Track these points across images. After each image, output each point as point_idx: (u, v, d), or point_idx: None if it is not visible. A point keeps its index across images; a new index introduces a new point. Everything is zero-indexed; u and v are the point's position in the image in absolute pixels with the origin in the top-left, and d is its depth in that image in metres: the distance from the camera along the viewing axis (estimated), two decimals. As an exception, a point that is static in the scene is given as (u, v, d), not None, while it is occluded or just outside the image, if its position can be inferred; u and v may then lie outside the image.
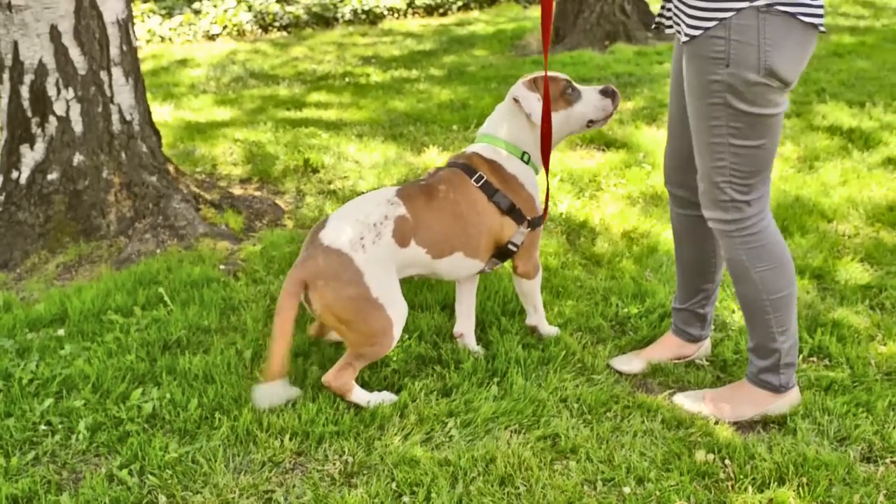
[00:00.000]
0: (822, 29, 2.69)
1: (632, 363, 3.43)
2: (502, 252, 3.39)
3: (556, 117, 3.35)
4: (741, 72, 2.67)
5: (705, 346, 3.52)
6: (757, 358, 3.10)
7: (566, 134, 3.48)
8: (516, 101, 3.37)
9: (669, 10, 2.96)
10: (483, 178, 3.33)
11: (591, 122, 3.44)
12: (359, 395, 3.13)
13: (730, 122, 2.75)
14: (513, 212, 3.33)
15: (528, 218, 3.37)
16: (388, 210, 3.14)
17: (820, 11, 2.66)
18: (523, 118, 3.38)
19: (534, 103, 3.32)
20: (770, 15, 2.61)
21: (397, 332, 3.11)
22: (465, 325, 3.59)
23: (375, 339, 3.07)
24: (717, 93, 2.72)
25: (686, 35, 2.75)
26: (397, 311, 3.10)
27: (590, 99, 3.40)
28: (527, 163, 3.42)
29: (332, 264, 3.00)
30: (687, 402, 3.18)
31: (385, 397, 3.17)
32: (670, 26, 2.97)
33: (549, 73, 3.33)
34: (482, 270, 3.44)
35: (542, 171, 3.39)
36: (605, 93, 3.40)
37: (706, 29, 2.67)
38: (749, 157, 2.80)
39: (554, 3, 3.32)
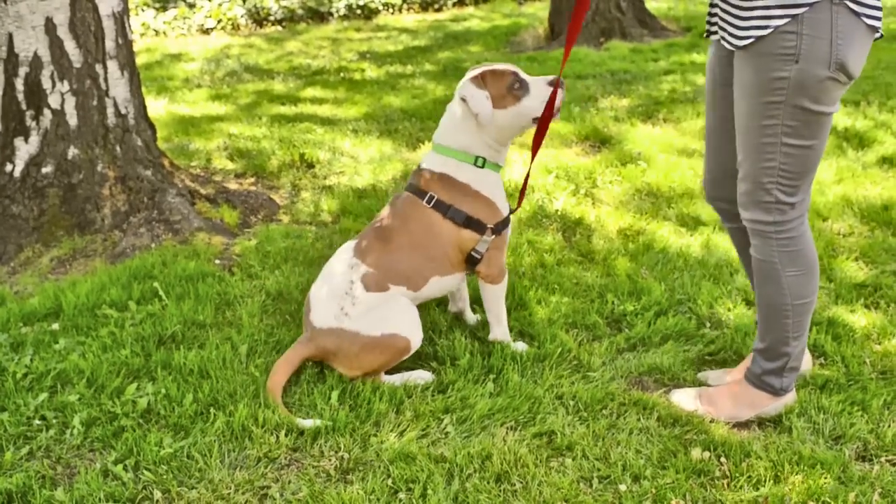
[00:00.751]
0: (879, 34, 2.70)
1: (723, 380, 3.34)
2: (469, 260, 3.39)
3: (505, 115, 3.27)
4: (811, 67, 2.64)
5: (806, 360, 3.35)
6: (764, 359, 3.09)
7: (517, 131, 3.37)
8: (464, 100, 3.28)
9: (714, 16, 2.94)
10: (434, 197, 3.32)
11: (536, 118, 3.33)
12: (385, 379, 3.32)
13: (786, 121, 2.73)
14: (470, 224, 3.31)
15: (490, 225, 3.34)
16: (351, 275, 3.29)
17: (879, 14, 2.66)
18: (471, 118, 3.30)
19: (482, 102, 3.23)
20: (841, 8, 2.60)
21: (416, 341, 3.29)
22: (459, 304, 3.75)
23: (394, 360, 3.29)
24: (780, 90, 2.69)
25: (745, 38, 2.72)
26: (411, 331, 3.27)
27: (538, 91, 3.27)
28: (482, 166, 3.36)
29: (332, 341, 3.23)
30: (683, 399, 3.18)
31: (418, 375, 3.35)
32: (715, 32, 2.95)
33: (496, 66, 3.29)
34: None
35: (527, 166, 3.37)
36: (553, 84, 3.27)
37: (776, 27, 2.64)
38: (800, 157, 2.79)
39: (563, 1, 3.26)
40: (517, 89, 3.26)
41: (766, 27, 2.66)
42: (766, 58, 2.69)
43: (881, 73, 8.02)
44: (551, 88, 3.25)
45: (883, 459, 2.89)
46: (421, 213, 3.33)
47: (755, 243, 2.97)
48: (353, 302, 3.24)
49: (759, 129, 2.78)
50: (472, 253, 3.36)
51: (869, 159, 5.74)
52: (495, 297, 3.47)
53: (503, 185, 3.49)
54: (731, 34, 2.80)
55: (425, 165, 3.41)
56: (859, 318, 3.76)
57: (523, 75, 3.30)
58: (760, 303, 3.05)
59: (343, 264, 3.34)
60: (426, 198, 3.33)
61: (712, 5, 2.95)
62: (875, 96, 7.14)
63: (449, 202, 3.32)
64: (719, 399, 3.14)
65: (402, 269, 3.30)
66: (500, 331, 3.51)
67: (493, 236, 3.35)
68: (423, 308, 3.65)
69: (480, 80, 3.27)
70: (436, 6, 14.06)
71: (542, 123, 3.24)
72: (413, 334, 3.26)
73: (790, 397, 3.13)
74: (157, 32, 12.36)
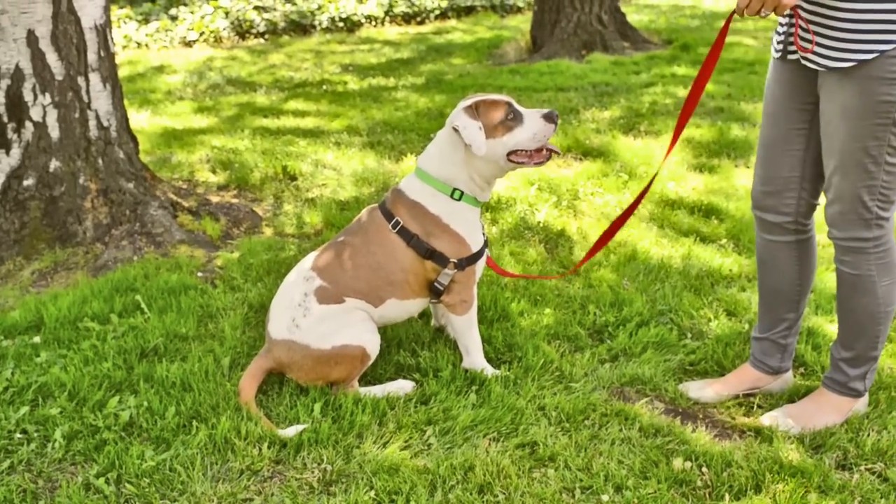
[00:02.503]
0: None
1: (704, 391, 3.36)
2: (433, 289, 3.38)
3: (496, 145, 3.22)
4: None
5: (784, 379, 3.40)
6: (851, 367, 3.13)
7: (504, 168, 3.31)
8: (456, 130, 3.22)
9: (790, 35, 2.94)
10: (399, 223, 3.31)
11: (519, 160, 3.27)
12: (365, 391, 3.32)
13: (892, 142, 2.75)
14: (433, 256, 3.30)
15: (453, 260, 3.31)
16: (305, 287, 3.29)
17: None
18: (461, 150, 3.26)
19: (475, 133, 3.17)
20: None
21: (372, 348, 3.29)
22: (442, 320, 3.75)
23: (356, 369, 3.28)
24: (887, 113, 2.71)
25: (845, 60, 2.71)
26: (363, 338, 3.26)
27: (532, 124, 3.24)
28: (458, 199, 3.32)
29: (284, 352, 3.25)
30: (776, 421, 3.16)
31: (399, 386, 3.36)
32: (794, 52, 2.94)
33: (489, 96, 3.26)
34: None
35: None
36: (549, 118, 3.24)
37: (882, 52, 2.64)
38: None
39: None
40: (511, 120, 3.23)
41: (871, 51, 2.66)
42: (873, 81, 2.69)
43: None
44: (545, 122, 3.24)
45: (863, 468, 2.91)
46: (384, 237, 3.32)
47: (848, 259, 2.98)
48: (304, 314, 3.23)
49: (863, 150, 2.78)
50: (435, 284, 3.36)
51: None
52: (461, 327, 3.43)
53: (479, 218, 3.44)
54: (823, 55, 2.79)
55: (402, 187, 3.39)
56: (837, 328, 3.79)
57: (517, 106, 3.28)
58: (852, 315, 3.07)
59: (299, 276, 3.34)
60: (392, 222, 3.32)
61: (786, 24, 2.95)
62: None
63: (414, 231, 3.29)
64: (808, 413, 3.16)
65: (358, 287, 3.29)
66: (469, 361, 3.46)
67: (456, 271, 3.34)
68: (406, 320, 3.66)
69: (474, 111, 3.23)
70: (418, 19, 14.10)
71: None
72: (367, 342, 3.25)
73: (866, 396, 3.22)
74: (139, 45, 12.34)
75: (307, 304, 3.24)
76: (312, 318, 3.23)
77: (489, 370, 3.43)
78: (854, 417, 3.16)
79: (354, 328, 3.25)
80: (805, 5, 2.79)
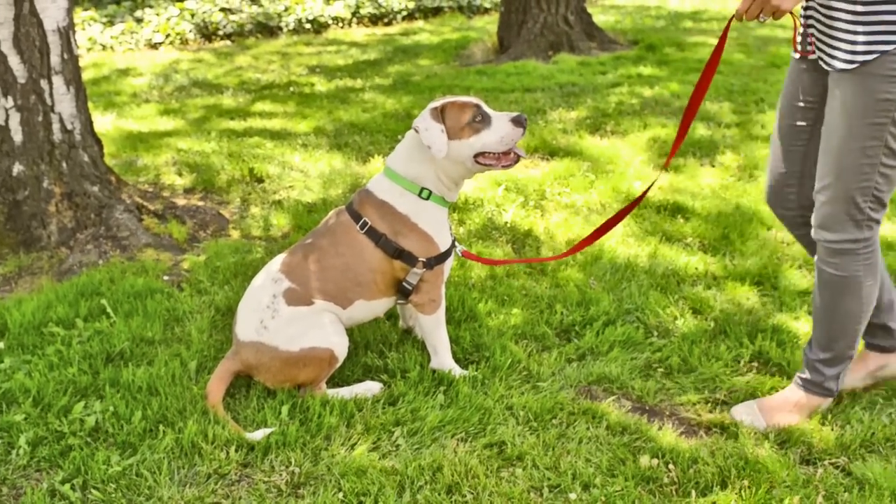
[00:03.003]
0: None
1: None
2: (401, 288, 3.38)
3: (460, 147, 3.23)
4: None
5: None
6: (828, 367, 3.14)
7: (470, 170, 3.32)
8: (417, 131, 3.24)
9: (810, 35, 2.95)
10: (367, 223, 3.31)
11: (486, 163, 3.28)
12: (333, 392, 3.32)
13: (889, 143, 2.76)
14: (401, 255, 3.30)
15: (422, 259, 3.32)
16: (273, 289, 3.28)
17: None
18: (426, 150, 3.27)
19: (436, 136, 3.18)
20: None
21: (341, 350, 3.29)
22: (409, 322, 3.76)
23: (324, 371, 3.28)
24: (887, 112, 2.72)
25: (850, 62, 2.74)
26: (331, 340, 3.25)
27: (499, 126, 3.24)
28: (426, 198, 3.33)
29: (252, 354, 3.24)
30: (744, 416, 3.17)
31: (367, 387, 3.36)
32: (811, 51, 2.96)
33: (458, 99, 3.27)
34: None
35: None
36: (518, 122, 3.24)
37: (883, 52, 2.66)
38: (893, 176, 2.85)
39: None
40: (478, 122, 3.24)
41: (872, 52, 2.68)
42: (872, 79, 2.71)
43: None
44: (513, 125, 3.24)
45: (826, 462, 2.95)
46: (352, 238, 3.32)
47: (835, 261, 2.97)
48: (272, 316, 3.22)
49: (860, 150, 2.79)
50: (403, 283, 3.36)
51: (812, 169, 5.85)
52: (429, 327, 3.44)
53: (447, 217, 3.44)
54: (831, 56, 2.81)
55: (371, 187, 3.39)
56: (803, 325, 3.83)
57: (486, 109, 3.28)
58: (835, 318, 3.07)
59: (267, 278, 3.34)
60: (360, 223, 3.32)
61: (807, 26, 2.96)
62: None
63: (382, 231, 3.30)
64: (779, 411, 3.17)
65: (327, 289, 3.29)
66: (437, 361, 3.47)
67: (424, 269, 3.34)
68: (374, 322, 3.66)
69: (439, 113, 3.23)
70: (385, 20, 14.08)
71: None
72: (335, 344, 3.25)
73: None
74: (104, 47, 12.24)
75: (275, 306, 3.24)
76: (281, 319, 3.22)
77: (457, 370, 3.43)
78: (815, 414, 3.19)
79: (323, 330, 3.25)
80: (805, 9, 2.83)
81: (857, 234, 2.91)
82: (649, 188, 3.39)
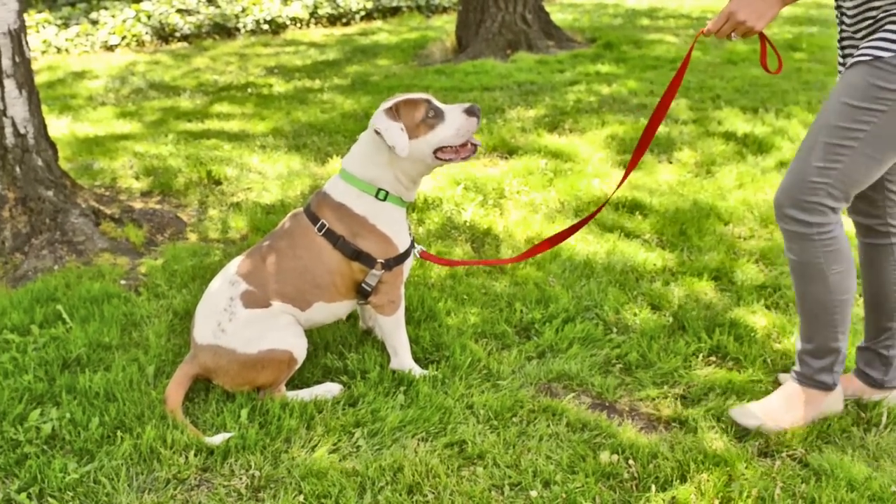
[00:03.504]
0: None
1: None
2: (361, 290, 3.37)
3: (418, 144, 3.22)
4: None
5: (893, 396, 3.29)
6: (814, 359, 3.10)
7: (429, 165, 3.31)
8: (378, 133, 3.21)
9: (848, 56, 2.97)
10: (325, 226, 3.30)
11: (446, 157, 3.28)
12: (292, 395, 3.31)
13: (876, 132, 2.74)
14: (359, 257, 3.30)
15: (381, 260, 3.32)
16: (231, 291, 3.27)
17: None
18: (385, 151, 3.24)
19: (397, 134, 3.16)
20: None
21: (299, 352, 3.29)
22: (369, 322, 3.74)
23: (283, 373, 3.27)
24: (885, 101, 2.71)
25: (863, 56, 2.75)
26: (289, 342, 3.25)
27: (453, 120, 3.24)
28: (383, 199, 3.32)
29: (210, 358, 3.22)
30: (743, 419, 3.12)
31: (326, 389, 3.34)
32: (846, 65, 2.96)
33: (409, 96, 3.26)
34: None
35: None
36: (471, 112, 3.24)
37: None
38: (868, 168, 2.81)
39: None
40: (431, 118, 3.23)
41: (888, 49, 2.69)
42: (881, 69, 2.70)
43: (778, 80, 8.25)
44: (467, 116, 3.24)
45: (784, 454, 2.98)
46: (310, 240, 3.31)
47: (793, 247, 2.95)
48: (230, 318, 3.21)
49: (840, 130, 2.77)
50: (362, 285, 3.35)
51: (768, 164, 5.91)
52: (389, 328, 3.43)
53: (406, 218, 3.44)
54: (851, 56, 2.84)
55: (327, 190, 3.38)
56: (760, 319, 3.87)
57: (437, 103, 3.28)
58: (805, 305, 3.04)
59: (224, 281, 3.32)
60: (318, 225, 3.31)
61: (844, 48, 2.98)
62: (772, 103, 7.35)
63: (340, 233, 3.29)
64: (779, 408, 3.13)
65: (285, 291, 3.28)
66: (396, 361, 3.46)
67: (384, 271, 3.33)
68: (333, 323, 3.65)
69: (394, 112, 3.21)
70: (344, 20, 14.04)
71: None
72: (293, 346, 3.25)
73: (839, 392, 3.18)
74: (59, 50, 12.10)
75: (233, 309, 3.22)
76: (238, 322, 3.20)
77: (417, 370, 3.43)
78: (831, 415, 3.17)
79: (281, 332, 3.24)
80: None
81: (807, 217, 2.86)
82: (606, 202, 3.39)
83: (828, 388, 3.13)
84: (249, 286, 3.26)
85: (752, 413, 3.12)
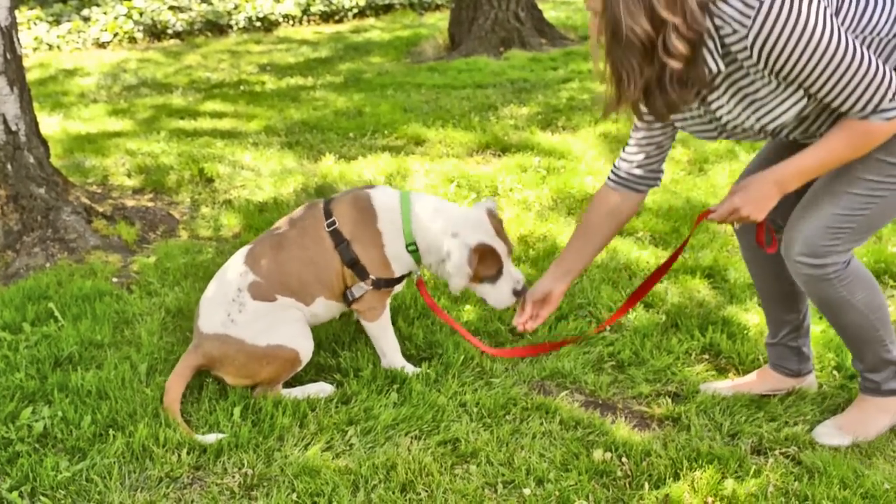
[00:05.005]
0: None
1: (721, 389, 3.34)
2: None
3: (463, 280, 3.21)
4: None
5: (808, 382, 3.35)
6: (874, 374, 3.05)
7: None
8: (449, 250, 3.19)
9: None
10: (335, 224, 3.29)
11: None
12: (286, 392, 3.30)
13: (874, 199, 2.72)
14: (355, 266, 3.28)
15: (373, 276, 3.30)
16: (239, 282, 3.27)
17: None
18: (451, 245, 3.20)
19: (460, 276, 3.17)
20: None
21: (306, 352, 3.29)
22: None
23: (286, 371, 3.27)
24: (888, 172, 2.68)
25: None
26: (297, 341, 3.26)
27: (502, 292, 3.26)
28: (412, 252, 3.30)
29: (216, 347, 3.22)
30: (829, 437, 3.07)
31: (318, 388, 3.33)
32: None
33: (494, 249, 3.21)
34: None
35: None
36: (517, 293, 3.26)
37: None
38: (884, 215, 2.79)
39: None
40: (492, 276, 3.23)
41: None
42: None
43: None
44: (513, 296, 3.26)
45: (777, 452, 2.98)
46: (317, 233, 3.30)
47: (810, 289, 2.90)
48: (240, 309, 3.22)
49: (869, 182, 2.72)
50: (347, 291, 3.34)
51: (760, 162, 5.91)
52: (373, 332, 3.42)
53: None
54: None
55: (373, 192, 3.33)
56: (753, 317, 3.87)
57: (504, 261, 3.25)
58: (846, 333, 3.01)
59: (233, 271, 3.32)
60: (329, 221, 3.30)
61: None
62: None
63: (347, 237, 3.27)
64: (860, 421, 3.09)
65: (289, 283, 3.28)
66: (386, 361, 3.45)
67: (371, 288, 3.33)
68: (326, 321, 3.64)
69: (473, 257, 3.16)
70: (336, 17, 14.03)
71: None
72: (301, 346, 3.26)
73: None
74: (50, 47, 12.07)
75: (242, 300, 3.23)
76: (248, 313, 3.22)
77: (409, 368, 3.42)
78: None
79: (291, 329, 3.25)
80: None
81: (821, 261, 2.81)
82: (681, 248, 3.31)
83: None
84: (257, 277, 3.26)
85: (837, 432, 3.07)
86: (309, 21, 13.79)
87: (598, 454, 2.92)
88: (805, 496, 2.73)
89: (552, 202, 5.25)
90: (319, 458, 2.88)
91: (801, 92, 2.59)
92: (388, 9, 14.61)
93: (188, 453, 2.91)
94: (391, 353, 3.44)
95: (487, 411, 3.17)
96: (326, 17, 13.98)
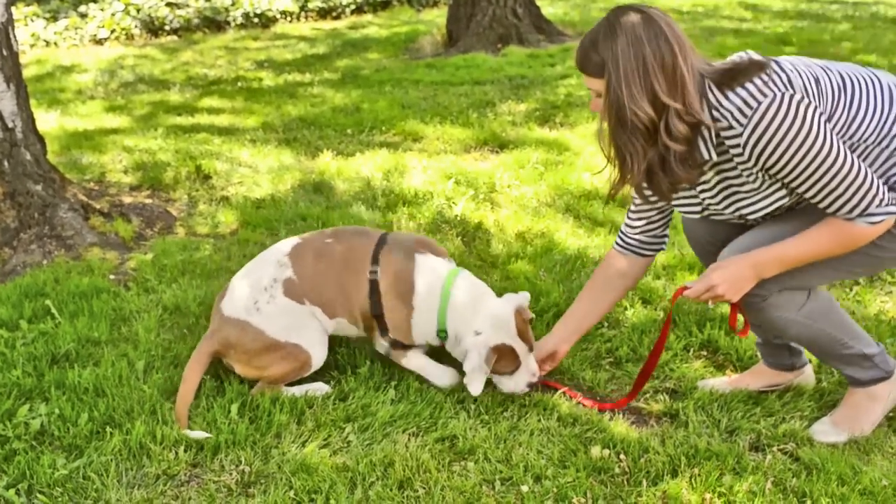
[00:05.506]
0: None
1: (724, 387, 3.33)
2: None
3: (481, 373, 3.15)
4: None
5: (805, 375, 3.35)
6: (848, 369, 3.05)
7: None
8: (468, 350, 3.15)
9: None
10: (376, 274, 3.26)
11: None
12: (283, 390, 3.27)
13: (855, 267, 2.83)
14: (379, 318, 3.28)
15: (391, 336, 3.30)
16: (276, 272, 3.27)
17: None
18: (472, 344, 3.16)
19: (477, 377, 3.10)
20: None
21: (318, 359, 3.28)
22: None
23: (294, 373, 3.26)
24: (869, 255, 2.77)
25: None
26: (314, 347, 3.25)
27: (518, 382, 3.21)
28: (443, 339, 3.28)
29: (235, 332, 3.22)
30: (826, 434, 3.06)
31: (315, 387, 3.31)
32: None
33: (513, 350, 3.16)
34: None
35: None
36: (531, 386, 3.22)
37: None
38: (833, 277, 2.88)
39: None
40: (510, 372, 3.20)
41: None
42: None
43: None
44: (524, 387, 3.21)
45: (775, 449, 2.97)
46: (358, 268, 3.27)
47: (749, 316, 2.97)
48: (269, 301, 3.22)
49: (828, 263, 2.79)
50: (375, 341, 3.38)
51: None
52: (408, 368, 3.37)
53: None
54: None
55: (422, 264, 3.28)
56: (750, 313, 3.86)
57: (531, 366, 3.22)
58: (801, 343, 3.07)
59: (274, 257, 3.33)
60: (371, 269, 3.26)
61: None
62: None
63: (381, 290, 3.25)
64: (853, 416, 3.08)
65: (320, 294, 3.27)
66: (438, 386, 3.37)
67: (388, 345, 3.34)
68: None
69: (492, 356, 3.13)
70: (334, 14, 14.00)
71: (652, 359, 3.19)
72: (316, 351, 3.25)
73: None
74: (47, 43, 12.04)
75: (273, 292, 3.24)
76: (277, 307, 3.22)
77: (450, 378, 3.33)
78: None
79: (312, 334, 3.25)
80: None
81: (760, 291, 2.85)
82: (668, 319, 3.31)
83: (884, 377, 3.05)
84: (294, 275, 3.26)
85: (833, 430, 3.07)
86: (306, 17, 13.76)
87: (595, 451, 2.92)
88: (803, 492, 2.73)
89: (550, 198, 5.24)
90: (317, 456, 2.88)
91: (784, 190, 2.68)
92: (385, 5, 14.59)
93: (185, 451, 2.91)
94: (435, 380, 3.34)
95: (485, 408, 3.16)
96: (324, 13, 13.95)
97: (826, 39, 10.22)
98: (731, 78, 2.60)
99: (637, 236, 3.13)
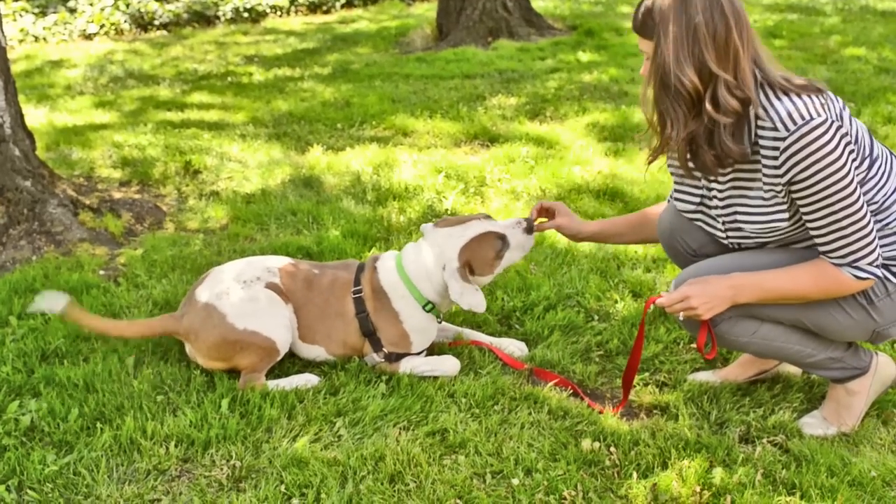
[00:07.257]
0: None
1: (712, 379, 3.35)
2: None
3: (487, 279, 3.28)
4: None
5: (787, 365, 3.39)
6: (821, 371, 3.06)
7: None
8: (446, 271, 3.20)
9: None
10: (360, 293, 3.32)
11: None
12: (273, 384, 3.27)
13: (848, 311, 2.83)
14: (371, 336, 3.32)
15: (386, 350, 3.33)
16: (262, 274, 3.33)
17: None
18: (448, 287, 3.19)
19: (473, 298, 3.16)
20: None
21: (283, 346, 3.28)
22: None
23: (262, 361, 3.26)
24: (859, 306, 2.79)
25: None
26: (276, 332, 3.25)
27: (517, 242, 3.26)
28: (429, 311, 3.33)
29: (199, 319, 3.25)
30: (815, 430, 3.07)
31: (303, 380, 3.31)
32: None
33: (477, 232, 3.22)
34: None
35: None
36: (529, 231, 3.28)
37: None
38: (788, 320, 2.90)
39: None
40: (500, 249, 3.23)
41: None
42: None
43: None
44: (526, 235, 3.26)
45: (765, 440, 2.99)
46: (345, 295, 3.34)
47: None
48: (241, 289, 3.26)
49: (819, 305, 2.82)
50: (366, 357, 3.40)
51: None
52: (406, 371, 3.38)
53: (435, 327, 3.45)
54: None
55: (379, 269, 3.36)
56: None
57: (499, 229, 3.24)
58: (767, 357, 3.08)
59: (262, 264, 3.38)
60: (355, 288, 3.33)
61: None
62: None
63: (368, 308, 3.32)
64: (837, 411, 3.09)
65: (303, 315, 3.33)
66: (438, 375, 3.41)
67: (383, 360, 3.35)
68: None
69: (466, 271, 3.18)
70: (324, 8, 13.98)
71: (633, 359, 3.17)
72: (279, 337, 3.25)
73: (883, 359, 3.13)
74: (36, 38, 11.99)
75: (252, 286, 3.28)
76: (244, 295, 3.24)
77: (452, 364, 3.37)
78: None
79: (273, 320, 3.25)
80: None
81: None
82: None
83: (861, 372, 3.06)
84: (279, 282, 3.32)
85: (822, 422, 3.09)
86: (296, 12, 13.74)
87: (586, 444, 2.92)
88: (793, 484, 2.74)
89: (540, 192, 5.24)
90: (308, 450, 2.88)
91: (786, 214, 2.69)
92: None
93: (176, 446, 2.90)
94: (441, 367, 3.36)
95: (476, 402, 3.17)
96: (314, 7, 13.93)
97: (816, 32, 10.25)
98: (787, 84, 2.60)
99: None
